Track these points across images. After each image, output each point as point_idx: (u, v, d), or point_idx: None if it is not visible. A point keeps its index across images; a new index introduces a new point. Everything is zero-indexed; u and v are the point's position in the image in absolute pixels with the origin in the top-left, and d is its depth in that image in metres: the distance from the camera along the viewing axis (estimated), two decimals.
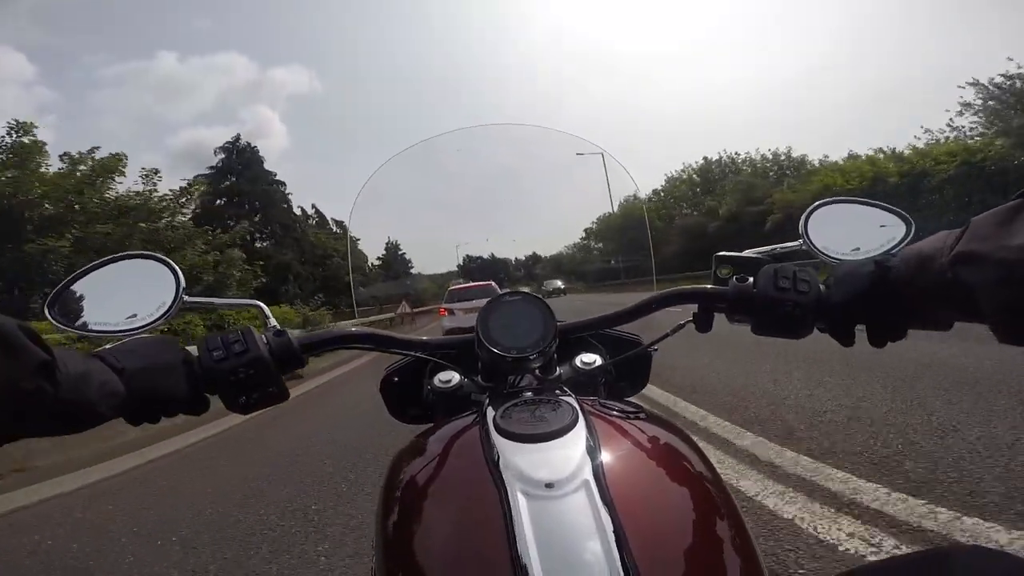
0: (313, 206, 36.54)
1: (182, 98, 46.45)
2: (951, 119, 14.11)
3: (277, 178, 29.23)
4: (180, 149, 39.54)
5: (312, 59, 64.45)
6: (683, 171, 29.09)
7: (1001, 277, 0.33)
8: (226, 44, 58.05)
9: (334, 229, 37.54)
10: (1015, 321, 0.34)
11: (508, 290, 0.53)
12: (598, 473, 0.35)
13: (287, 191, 30.07)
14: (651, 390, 2.70)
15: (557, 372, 0.54)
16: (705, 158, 27.07)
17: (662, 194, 31.08)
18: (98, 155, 11.90)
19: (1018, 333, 0.35)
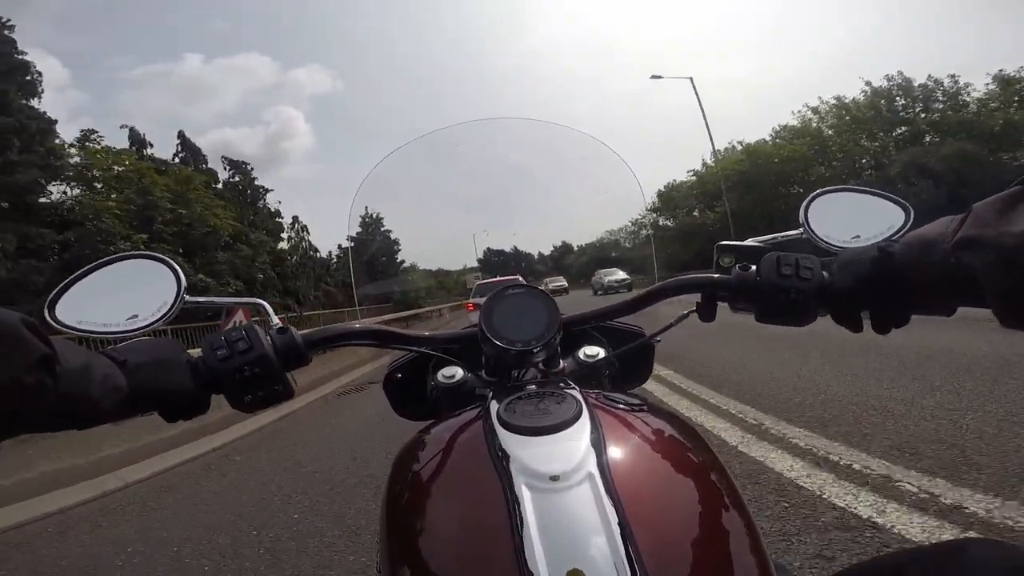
0: (180, 133, 26.93)
1: (207, 99, 59.31)
2: None
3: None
4: (207, 149, 54.06)
5: (333, 59, 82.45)
6: (802, 114, 25.27)
7: (1003, 262, 0.41)
8: (249, 46, 72.77)
9: (226, 171, 27.38)
10: (1017, 306, 0.42)
11: (511, 283, 0.64)
12: (603, 465, 0.43)
13: (37, 77, 17.48)
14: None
15: (561, 365, 0.66)
16: (871, 85, 22.65)
17: (738, 150, 27.56)
18: None
19: (1021, 318, 0.43)
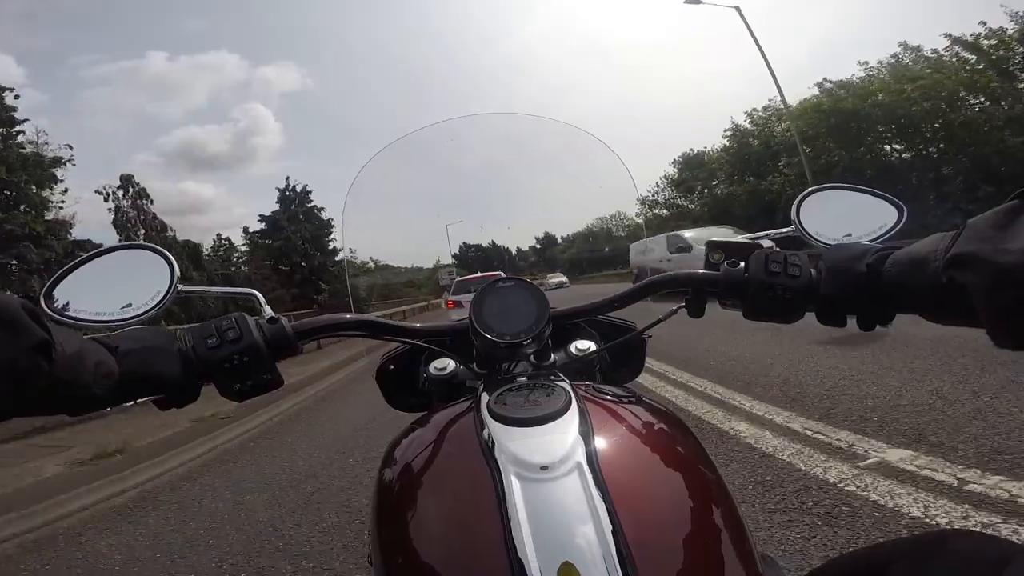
0: None
1: (173, 97, 64.96)
2: None
3: None
4: (173, 148, 57.45)
5: (305, 55, 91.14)
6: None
7: (1000, 280, 0.45)
8: (216, 43, 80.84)
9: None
10: (1013, 325, 0.47)
11: (502, 276, 0.73)
12: (591, 456, 0.49)
13: None
14: None
15: (552, 358, 0.75)
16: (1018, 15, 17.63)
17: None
18: None
19: (1016, 337, 0.47)
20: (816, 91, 24.37)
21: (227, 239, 34.90)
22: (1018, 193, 0.48)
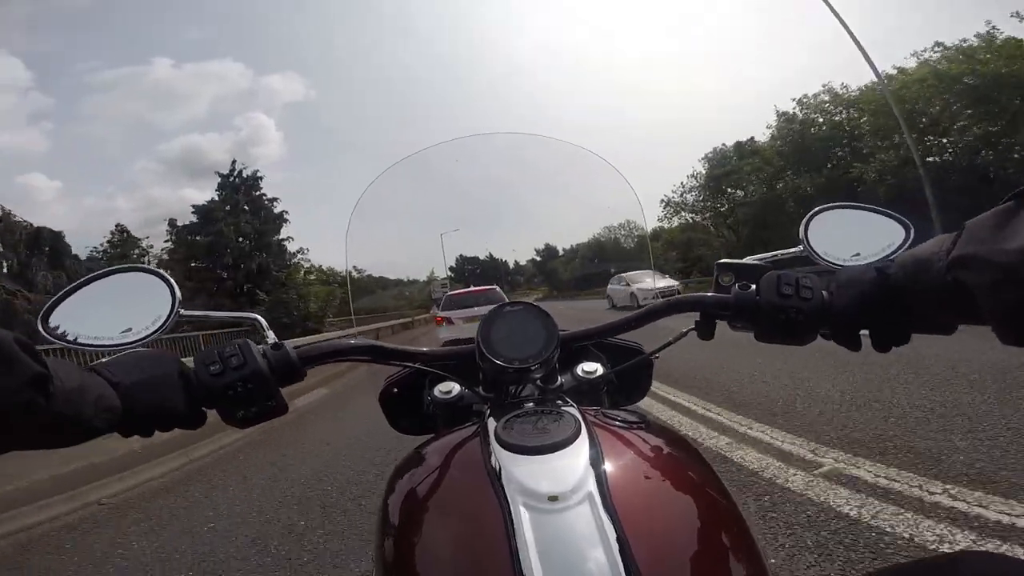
0: None
1: (176, 104, 67.92)
2: None
3: None
4: (174, 156, 59.94)
5: (306, 68, 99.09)
6: None
7: (1000, 279, 0.52)
8: (221, 52, 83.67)
9: None
10: (1016, 322, 0.53)
11: (509, 300, 0.77)
12: (602, 485, 0.52)
13: None
14: None
15: (559, 382, 0.79)
16: None
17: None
18: None
19: (1020, 334, 0.53)
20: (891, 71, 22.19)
21: (124, 230, 29.33)
22: (1014, 194, 0.55)
